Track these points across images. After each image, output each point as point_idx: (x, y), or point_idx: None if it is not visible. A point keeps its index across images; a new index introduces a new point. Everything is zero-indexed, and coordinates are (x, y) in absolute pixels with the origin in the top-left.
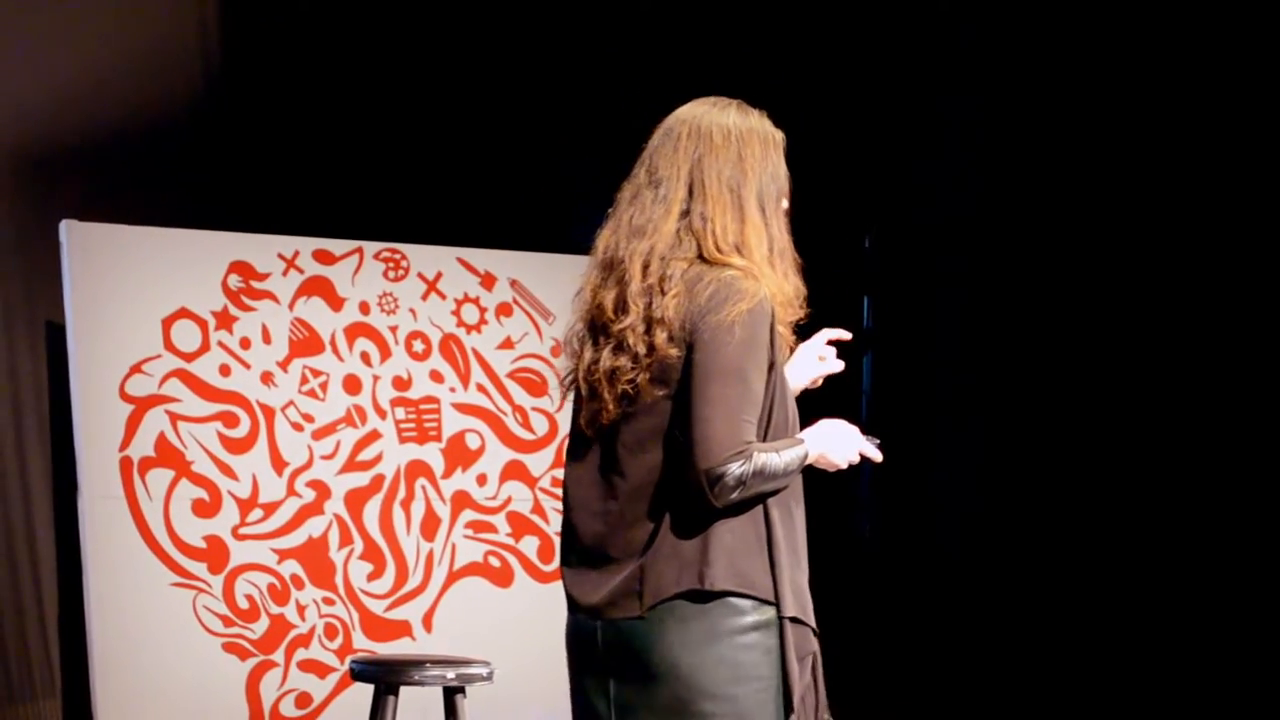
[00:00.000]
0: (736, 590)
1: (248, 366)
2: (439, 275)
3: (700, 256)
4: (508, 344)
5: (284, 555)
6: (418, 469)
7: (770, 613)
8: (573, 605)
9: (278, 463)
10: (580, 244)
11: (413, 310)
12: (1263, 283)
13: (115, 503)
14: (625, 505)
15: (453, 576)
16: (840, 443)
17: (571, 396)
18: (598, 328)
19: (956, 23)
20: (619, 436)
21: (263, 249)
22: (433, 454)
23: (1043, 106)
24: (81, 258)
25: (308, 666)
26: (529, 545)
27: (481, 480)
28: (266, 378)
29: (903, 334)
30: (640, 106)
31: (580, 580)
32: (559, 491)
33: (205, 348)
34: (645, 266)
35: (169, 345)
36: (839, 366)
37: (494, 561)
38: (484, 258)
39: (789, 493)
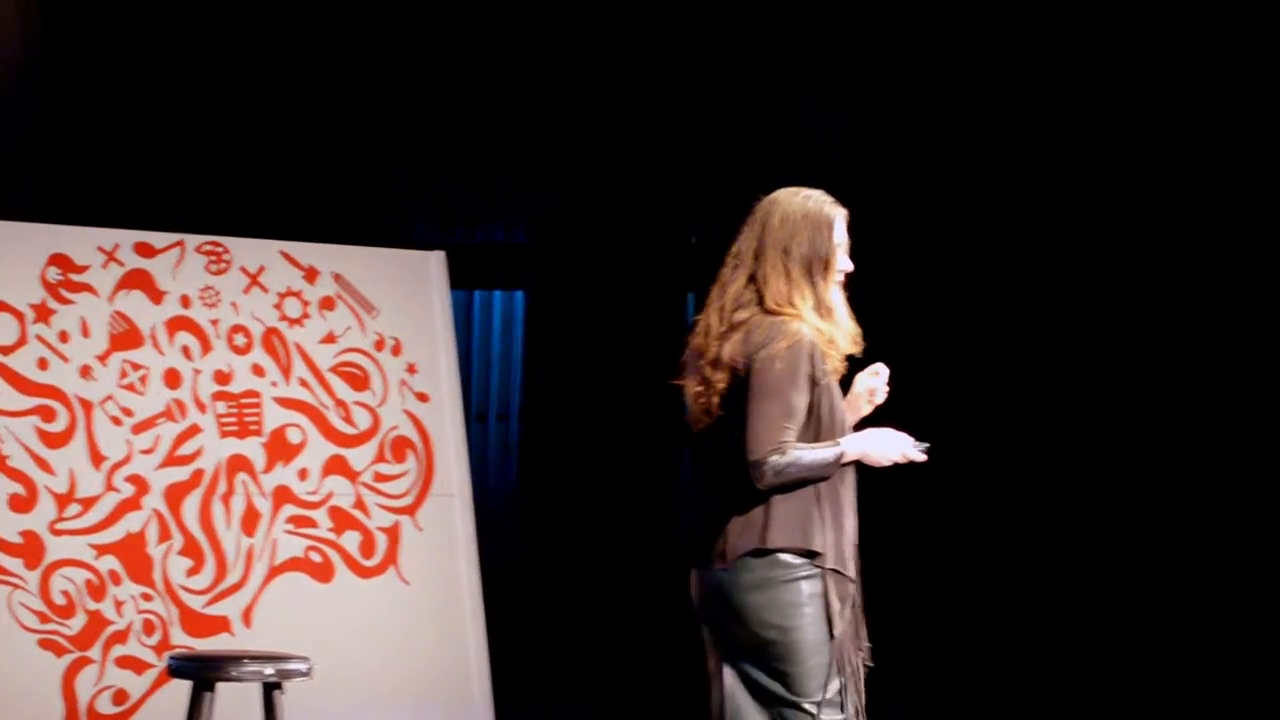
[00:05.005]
0: (787, 547)
1: (66, 360)
2: (262, 269)
3: (761, 308)
4: (330, 338)
5: (102, 550)
6: (238, 463)
7: (814, 566)
8: (692, 562)
9: (96, 457)
10: (404, 238)
11: (234, 304)
12: (1242, 295)
13: None
14: (715, 489)
15: (273, 571)
16: (881, 445)
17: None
18: (694, 362)
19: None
20: (709, 439)
21: (82, 241)
22: (254, 448)
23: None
24: None
25: (125, 663)
26: (350, 540)
27: (303, 475)
28: (85, 371)
29: None
30: (462, 106)
31: (695, 543)
32: (381, 486)
33: (23, 341)
34: (719, 317)
35: None
36: (880, 400)
37: (315, 557)
38: (307, 251)
39: (838, 481)
